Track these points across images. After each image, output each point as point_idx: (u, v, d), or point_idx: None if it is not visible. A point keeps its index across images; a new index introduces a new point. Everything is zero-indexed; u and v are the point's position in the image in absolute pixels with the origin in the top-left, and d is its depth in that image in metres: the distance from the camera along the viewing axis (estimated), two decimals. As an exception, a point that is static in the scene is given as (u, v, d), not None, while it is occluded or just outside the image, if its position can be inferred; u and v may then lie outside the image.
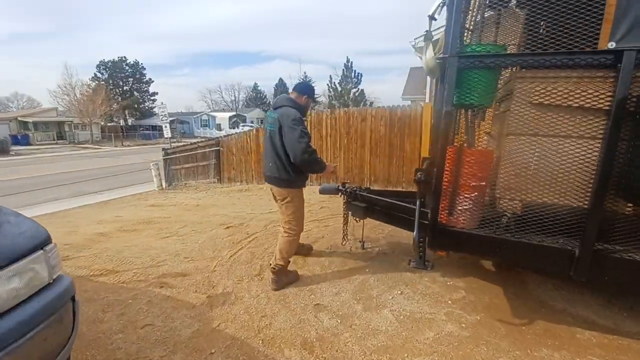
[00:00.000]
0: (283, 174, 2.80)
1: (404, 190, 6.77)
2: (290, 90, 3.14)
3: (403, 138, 7.10)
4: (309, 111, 3.20)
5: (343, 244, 3.72)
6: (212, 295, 2.89)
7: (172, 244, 4.17)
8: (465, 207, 2.16)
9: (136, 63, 45.51)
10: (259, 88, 62.55)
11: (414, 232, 2.11)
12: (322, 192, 3.68)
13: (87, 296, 2.88)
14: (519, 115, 1.99)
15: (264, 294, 2.89)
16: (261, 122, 50.79)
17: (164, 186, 9.53)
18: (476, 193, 2.14)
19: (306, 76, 44.92)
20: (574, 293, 2.87)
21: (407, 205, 2.86)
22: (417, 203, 2.21)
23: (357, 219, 3.62)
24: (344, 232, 3.67)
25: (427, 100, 10.76)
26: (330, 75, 38.43)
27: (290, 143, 2.63)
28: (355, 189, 3.50)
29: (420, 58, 2.45)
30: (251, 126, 37.36)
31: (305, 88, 3.05)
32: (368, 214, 3.35)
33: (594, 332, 2.36)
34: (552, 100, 1.90)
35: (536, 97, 1.93)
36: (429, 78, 10.14)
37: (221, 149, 9.18)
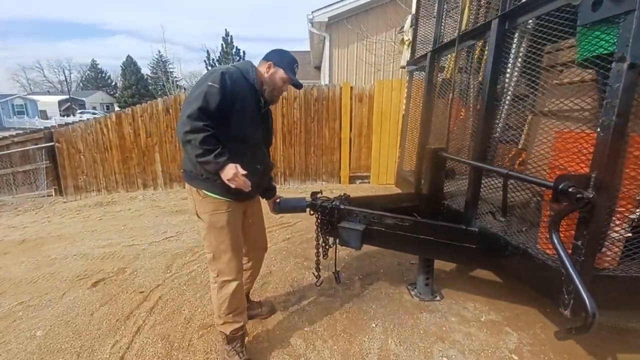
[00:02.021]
0: (186, 162, 1.75)
1: (391, 194, 5.82)
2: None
3: (321, 123, 6.07)
4: (275, 88, 1.75)
5: (318, 284, 2.43)
6: None
7: (-31, 353, 2.00)
8: (623, 234, 1.25)
9: None
10: (99, 67, 50.91)
11: (586, 301, 1.07)
12: (280, 210, 2.26)
13: None
14: None
15: None
16: (107, 108, 41.38)
17: (-53, 210, 5.82)
18: (641, 209, 1.25)
19: (161, 56, 38.64)
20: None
21: (456, 226, 1.82)
22: (554, 238, 1.18)
23: (330, 242, 2.40)
24: (317, 269, 2.38)
25: (323, 82, 10.06)
26: (208, 51, 33.58)
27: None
28: (335, 202, 2.26)
29: None
30: (94, 113, 29.71)
31: (270, 54, 1.81)
32: (367, 239, 2.17)
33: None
34: None
35: None
36: (327, 59, 9.34)
37: (57, 145, 6.15)
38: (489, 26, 1.76)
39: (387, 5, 7.49)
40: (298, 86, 1.84)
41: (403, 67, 3.17)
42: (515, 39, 1.71)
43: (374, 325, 2.17)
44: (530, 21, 1.63)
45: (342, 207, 2.21)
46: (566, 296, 1.25)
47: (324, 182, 6.33)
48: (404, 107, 3.35)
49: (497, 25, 1.69)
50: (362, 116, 6.06)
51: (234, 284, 1.77)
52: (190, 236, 3.76)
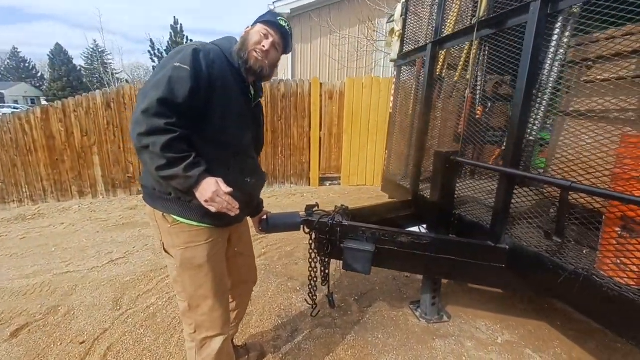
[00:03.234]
0: (146, 176, 1.27)
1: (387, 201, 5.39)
2: None
3: (289, 121, 5.62)
4: (257, 59, 1.27)
5: (313, 314, 2.03)
6: None
7: None
8: None
9: None
10: (21, 55, 44.83)
11: None
12: (269, 229, 1.82)
13: None
14: None
15: None
16: (32, 102, 36.38)
17: None
18: None
19: (97, 45, 34.86)
20: None
21: (482, 243, 1.54)
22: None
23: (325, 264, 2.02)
24: (311, 297, 1.98)
25: (286, 77, 9.55)
26: (152, 40, 31.35)
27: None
28: (336, 217, 1.88)
29: None
30: (15, 108, 25.87)
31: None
32: (378, 262, 1.83)
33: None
34: None
35: None
36: (288, 54, 8.85)
37: (-39, 146, 4.96)
38: (526, 9, 1.50)
39: (354, -1, 7.23)
40: (285, 40, 1.29)
41: (393, 61, 2.87)
42: (559, 25, 1.46)
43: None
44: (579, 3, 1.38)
45: (345, 223, 1.84)
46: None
47: (292, 185, 5.90)
48: (391, 105, 3.06)
49: (539, 8, 1.43)
50: (332, 114, 5.73)
51: (218, 341, 1.32)
52: (143, 257, 3.13)
